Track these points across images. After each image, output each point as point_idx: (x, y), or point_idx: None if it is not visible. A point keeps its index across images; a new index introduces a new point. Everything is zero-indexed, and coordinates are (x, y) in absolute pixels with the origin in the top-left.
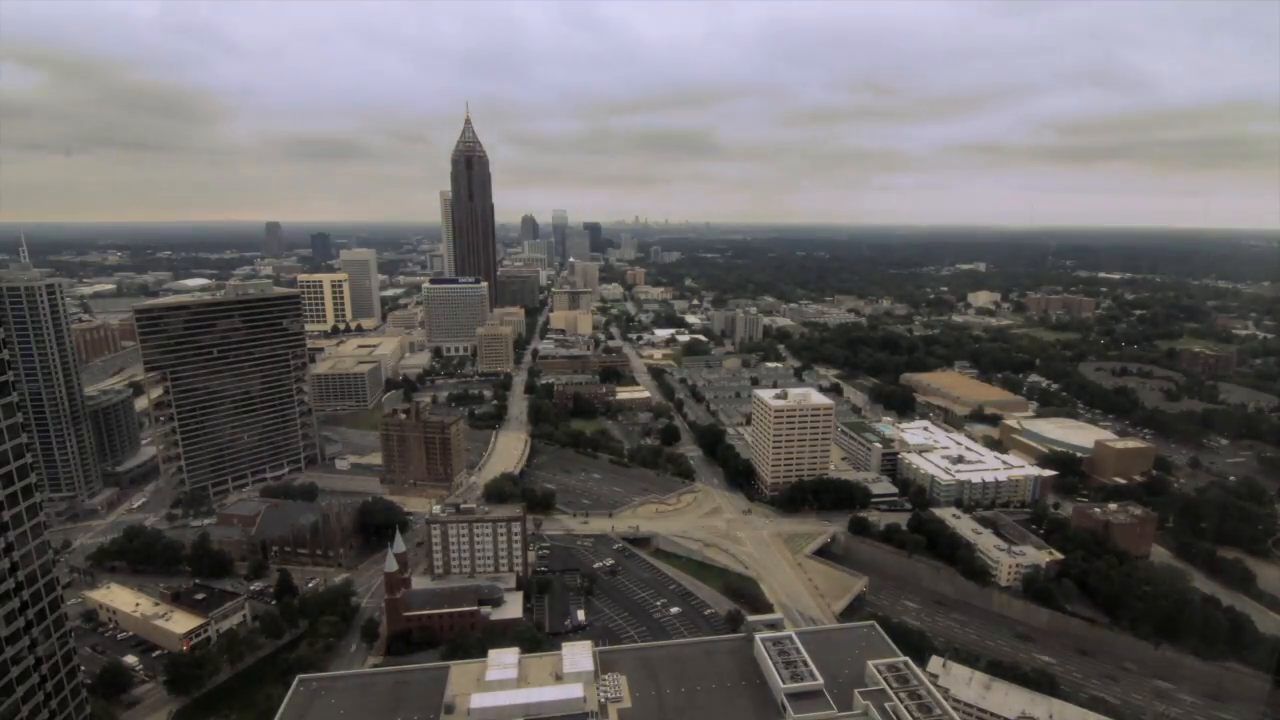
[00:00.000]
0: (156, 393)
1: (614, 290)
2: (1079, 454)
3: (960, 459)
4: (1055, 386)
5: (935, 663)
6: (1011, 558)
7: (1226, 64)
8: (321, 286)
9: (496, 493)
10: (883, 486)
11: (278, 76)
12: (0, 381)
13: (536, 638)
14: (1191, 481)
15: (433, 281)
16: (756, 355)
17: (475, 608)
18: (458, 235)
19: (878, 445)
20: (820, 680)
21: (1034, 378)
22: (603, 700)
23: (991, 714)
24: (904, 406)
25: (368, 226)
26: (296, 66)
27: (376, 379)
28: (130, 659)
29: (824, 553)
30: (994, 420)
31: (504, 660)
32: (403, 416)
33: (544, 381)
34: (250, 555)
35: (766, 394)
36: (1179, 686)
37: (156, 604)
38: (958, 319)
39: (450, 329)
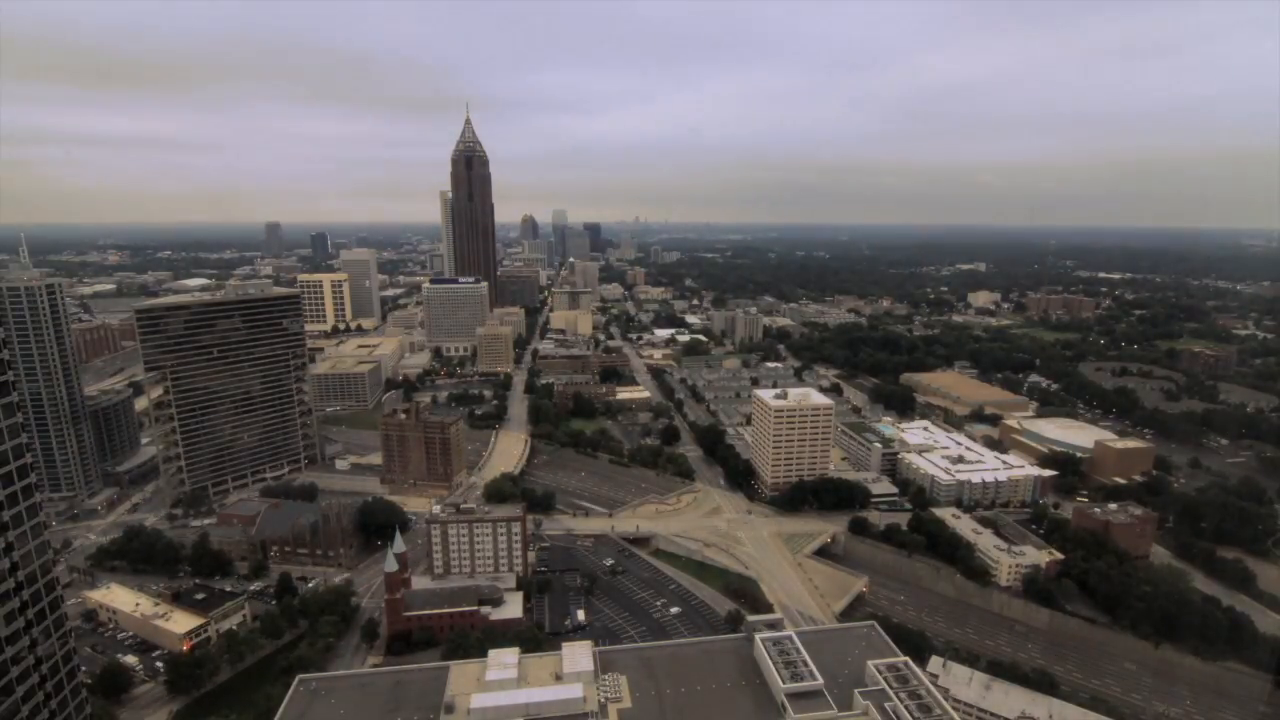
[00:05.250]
0: (156, 393)
1: (614, 290)
2: (1079, 454)
3: (960, 459)
4: (1055, 386)
5: (935, 663)
6: (1011, 558)
7: None
8: (321, 286)
9: (496, 493)
10: (883, 486)
11: None
12: (0, 381)
13: (536, 638)
14: (1191, 481)
15: (433, 281)
16: (756, 355)
17: (475, 608)
18: (458, 235)
19: (878, 445)
20: (820, 680)
21: (1034, 378)
22: (603, 700)
23: (991, 714)
24: (904, 406)
25: (368, 226)
26: None
27: (376, 379)
28: (130, 659)
29: (824, 553)
30: (994, 420)
31: (504, 660)
32: (403, 416)
33: (544, 381)
34: (250, 555)
35: (766, 394)
36: (1179, 686)
37: (156, 604)
38: (958, 319)
39: (450, 329)
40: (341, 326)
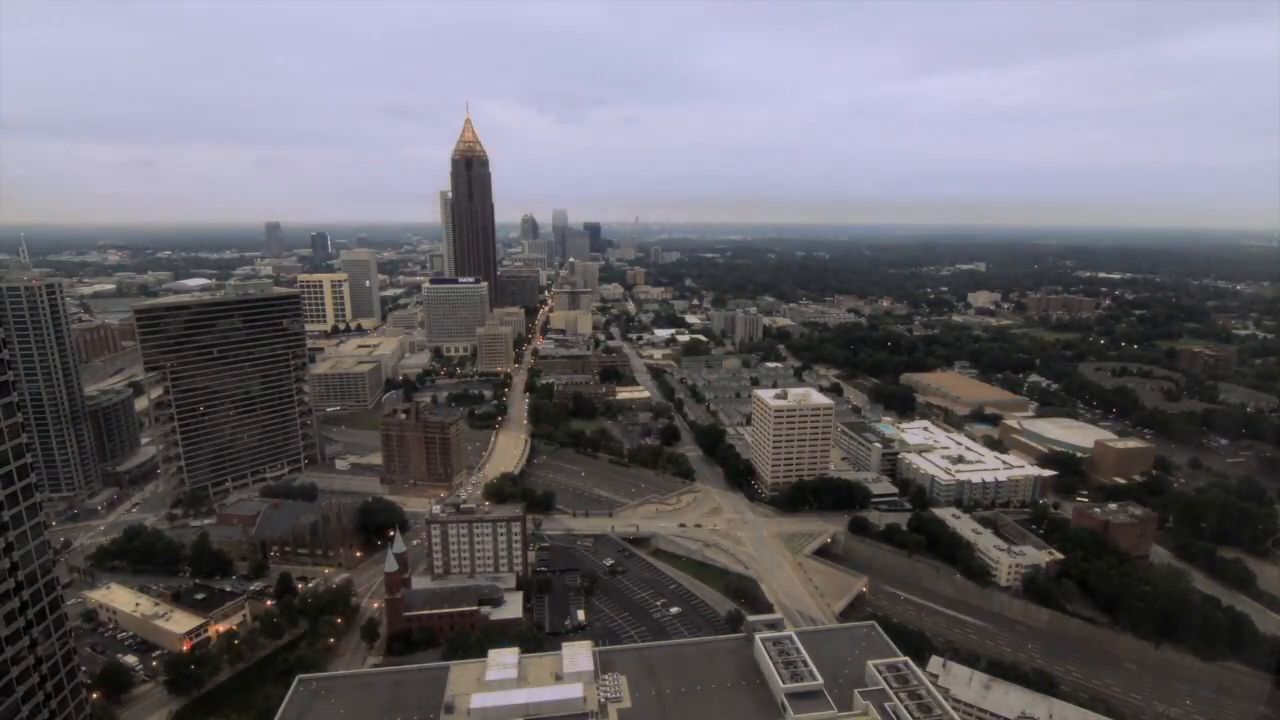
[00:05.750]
0: (156, 393)
1: (614, 290)
2: (1079, 454)
3: (960, 459)
4: (1055, 386)
5: (935, 663)
6: (1011, 558)
7: None
8: (321, 286)
9: (496, 492)
10: (883, 486)
11: None
12: (0, 381)
13: (536, 638)
14: (1191, 481)
15: (433, 281)
16: (756, 355)
17: (475, 608)
18: (458, 235)
19: (878, 445)
20: (820, 680)
21: (1034, 378)
22: (603, 700)
23: (991, 714)
24: (904, 406)
25: (368, 226)
26: None
27: (376, 379)
28: (130, 659)
29: (824, 553)
30: (994, 420)
31: (504, 660)
32: (403, 416)
33: (544, 381)
34: (250, 555)
35: (766, 394)
36: (1179, 686)
37: (156, 604)
38: (958, 319)
39: (450, 329)
40: (341, 326)
